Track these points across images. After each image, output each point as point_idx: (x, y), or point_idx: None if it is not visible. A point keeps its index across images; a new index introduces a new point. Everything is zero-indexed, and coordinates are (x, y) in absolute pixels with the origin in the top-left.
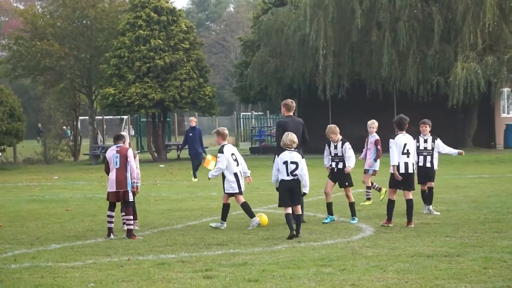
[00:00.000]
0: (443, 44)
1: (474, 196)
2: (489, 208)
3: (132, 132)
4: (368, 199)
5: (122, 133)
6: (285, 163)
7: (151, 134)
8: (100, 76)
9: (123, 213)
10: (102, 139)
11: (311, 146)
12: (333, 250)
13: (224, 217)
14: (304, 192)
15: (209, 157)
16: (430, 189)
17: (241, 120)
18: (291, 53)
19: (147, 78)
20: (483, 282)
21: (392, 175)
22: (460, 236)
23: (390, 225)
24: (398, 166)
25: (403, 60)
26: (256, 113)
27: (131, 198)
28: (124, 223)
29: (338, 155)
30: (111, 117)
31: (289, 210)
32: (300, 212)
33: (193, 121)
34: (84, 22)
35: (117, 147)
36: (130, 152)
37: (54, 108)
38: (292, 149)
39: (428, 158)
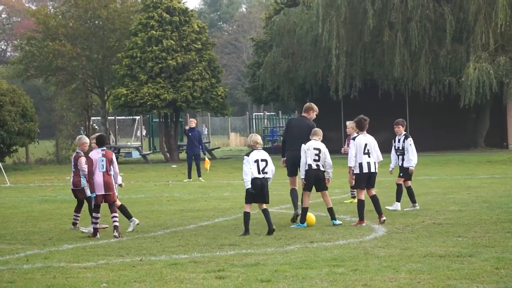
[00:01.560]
0: (455, 44)
1: (486, 196)
2: (501, 208)
3: (144, 132)
4: (353, 197)
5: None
6: (256, 161)
7: (164, 134)
8: (112, 76)
9: (113, 213)
10: (114, 139)
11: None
12: (345, 250)
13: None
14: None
15: (207, 159)
16: (406, 188)
17: (254, 120)
18: (303, 53)
19: (159, 78)
20: (495, 282)
21: (358, 175)
22: (472, 236)
23: (363, 224)
24: (361, 166)
25: (415, 60)
26: (268, 113)
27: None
28: (114, 221)
29: None
30: (123, 117)
31: (249, 209)
32: (265, 207)
33: (193, 122)
34: (96, 22)
35: (102, 150)
36: (114, 156)
37: (66, 109)
38: (260, 149)
39: (401, 157)
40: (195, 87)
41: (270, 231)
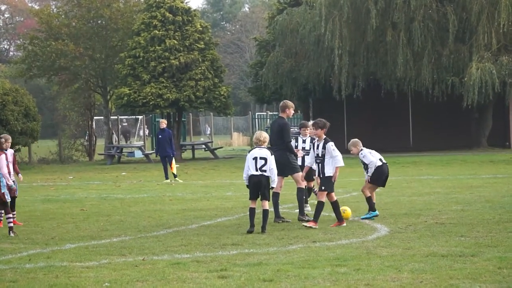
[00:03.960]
0: (458, 44)
1: (488, 196)
2: (504, 208)
3: (147, 132)
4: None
5: None
6: (255, 158)
7: None
8: (115, 76)
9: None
10: (117, 139)
11: None
12: (348, 250)
13: None
14: (272, 186)
15: (174, 161)
16: (309, 189)
17: (256, 120)
18: (306, 53)
19: (162, 78)
20: (497, 282)
21: (329, 178)
22: (474, 236)
23: (344, 224)
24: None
25: (418, 60)
26: (271, 113)
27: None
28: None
29: None
30: (126, 117)
31: (254, 205)
32: (267, 208)
33: (163, 123)
34: (99, 22)
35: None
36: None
37: (69, 108)
38: (262, 146)
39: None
40: (197, 87)
41: (261, 231)
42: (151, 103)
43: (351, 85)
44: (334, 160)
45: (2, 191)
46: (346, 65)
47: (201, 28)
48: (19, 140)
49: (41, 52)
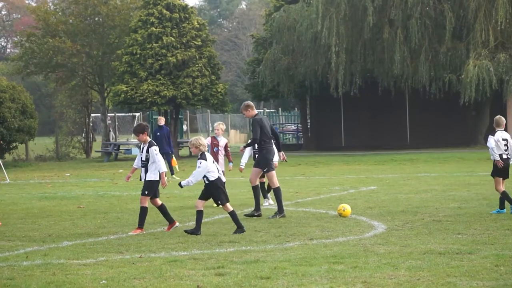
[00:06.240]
0: (455, 41)
1: (485, 193)
2: None
3: None
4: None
5: None
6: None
7: None
8: (112, 73)
9: None
10: (114, 136)
11: (323, 143)
12: (345, 247)
13: None
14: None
15: (174, 158)
16: (262, 183)
17: None
18: (303, 50)
19: (159, 75)
20: (494, 279)
21: (150, 182)
22: (471, 234)
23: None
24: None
25: (415, 57)
26: (268, 110)
27: None
28: None
29: None
30: (123, 114)
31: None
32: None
33: (161, 120)
34: (96, 19)
35: None
36: None
37: (66, 105)
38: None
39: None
40: (195, 84)
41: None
42: (148, 100)
43: (348, 82)
44: (157, 165)
45: None
46: (343, 62)
47: (198, 25)
48: (16, 138)
49: (38, 49)
